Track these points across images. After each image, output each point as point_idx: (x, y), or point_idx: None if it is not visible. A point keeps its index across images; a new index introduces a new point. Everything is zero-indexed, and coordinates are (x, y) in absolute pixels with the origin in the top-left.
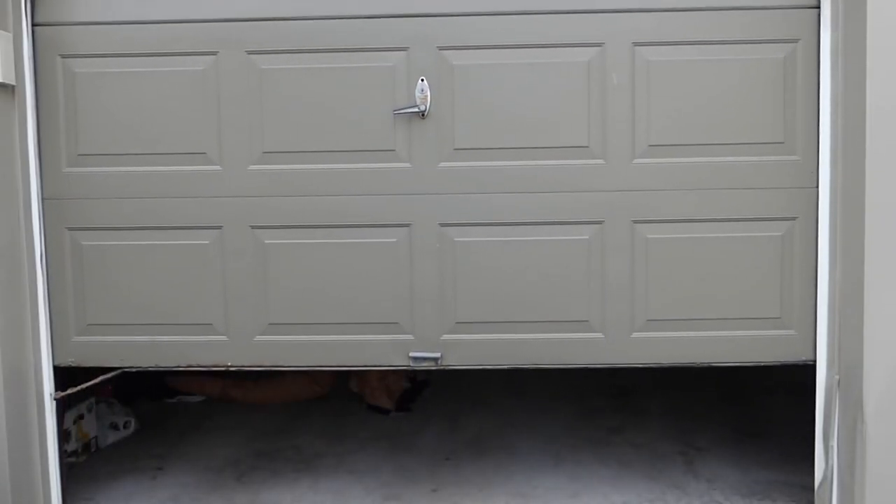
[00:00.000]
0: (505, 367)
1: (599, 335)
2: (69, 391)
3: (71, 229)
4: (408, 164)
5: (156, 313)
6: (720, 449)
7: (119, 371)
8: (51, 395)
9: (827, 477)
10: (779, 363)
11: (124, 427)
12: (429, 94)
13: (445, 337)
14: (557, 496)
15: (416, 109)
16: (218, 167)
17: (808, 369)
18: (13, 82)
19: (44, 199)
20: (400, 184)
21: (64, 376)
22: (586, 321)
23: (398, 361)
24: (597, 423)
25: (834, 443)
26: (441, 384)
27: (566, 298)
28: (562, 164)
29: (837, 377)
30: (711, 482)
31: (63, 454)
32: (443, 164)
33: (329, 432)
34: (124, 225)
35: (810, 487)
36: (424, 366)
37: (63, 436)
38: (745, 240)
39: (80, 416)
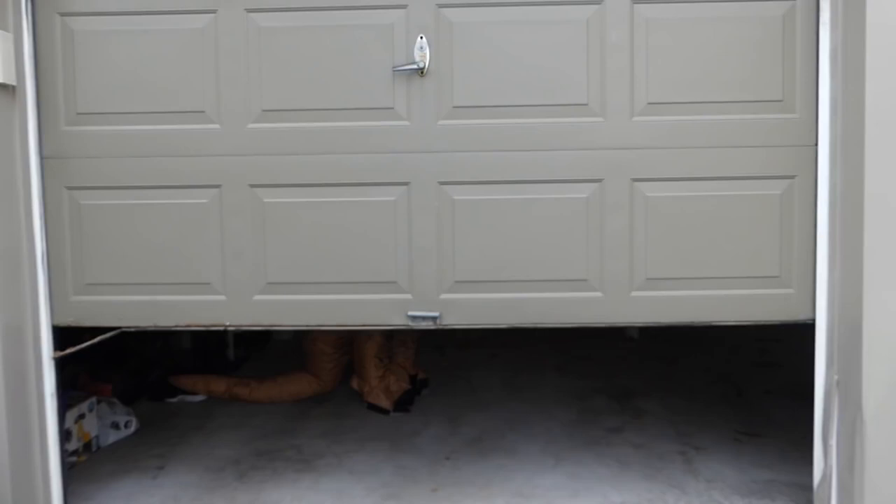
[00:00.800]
0: (504, 326)
1: (598, 294)
2: (68, 350)
3: (70, 188)
4: (407, 122)
5: (155, 272)
6: (719, 449)
7: (118, 331)
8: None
9: (826, 477)
10: (778, 322)
11: (125, 427)
12: (428, 51)
13: (444, 296)
14: (557, 496)
15: (415, 66)
16: (217, 126)
17: (809, 369)
18: (13, 82)
19: (43, 159)
20: (399, 142)
21: (61, 337)
22: (585, 280)
23: (396, 321)
24: (597, 423)
25: (833, 442)
26: (441, 384)
27: (565, 257)
28: (561, 122)
29: (837, 377)
30: (711, 482)
31: (63, 454)
32: (442, 121)
33: (329, 432)
34: (123, 184)
35: (809, 487)
36: (423, 325)
37: (64, 435)
38: (744, 198)
39: (81, 416)
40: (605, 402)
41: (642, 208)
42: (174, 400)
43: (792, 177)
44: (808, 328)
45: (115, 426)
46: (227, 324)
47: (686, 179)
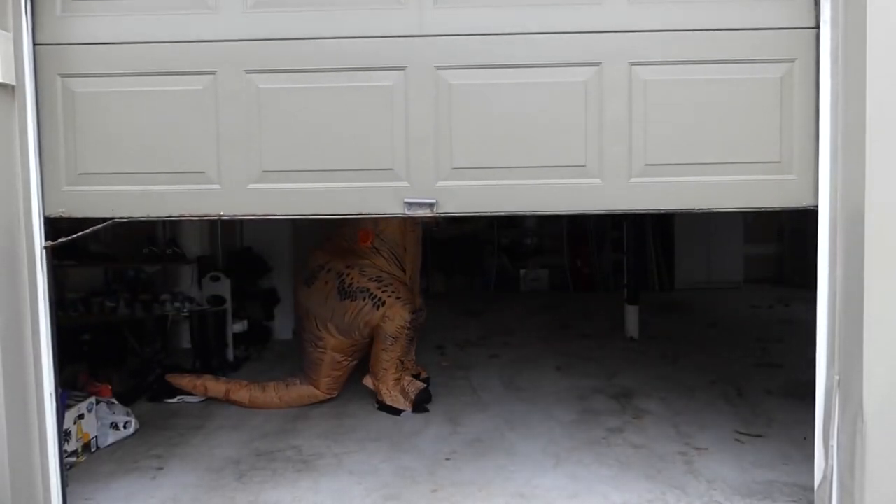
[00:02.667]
0: (502, 213)
1: (597, 180)
2: (60, 241)
3: (63, 76)
4: (404, 4)
5: (148, 161)
6: (720, 449)
7: (111, 221)
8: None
9: (827, 477)
10: (779, 208)
11: (124, 427)
12: None
13: (441, 183)
14: (558, 496)
15: None
16: (212, 10)
17: (809, 369)
18: (13, 82)
19: (35, 46)
20: (395, 25)
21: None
22: (584, 166)
23: (393, 209)
24: (597, 423)
25: (834, 443)
26: (441, 384)
27: (564, 143)
28: (558, 3)
29: (837, 377)
30: (712, 482)
31: (63, 454)
32: (440, 3)
33: (329, 433)
34: (118, 71)
35: (810, 487)
36: (420, 213)
37: (63, 436)
38: (744, 82)
39: (80, 416)
40: (605, 403)
41: (641, 93)
42: (173, 400)
43: (791, 60)
44: (809, 328)
45: (115, 427)
46: (222, 213)
47: (685, 63)
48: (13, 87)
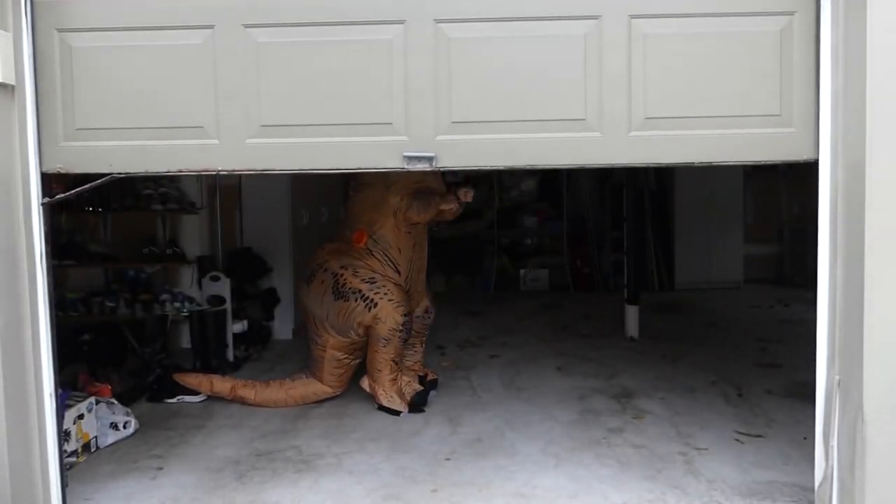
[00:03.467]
0: (501, 167)
1: (597, 134)
2: (58, 197)
3: (61, 31)
4: None
5: (146, 116)
6: (720, 449)
7: (109, 178)
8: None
9: (827, 477)
10: (779, 162)
11: (124, 427)
12: None
13: (440, 138)
14: (558, 496)
15: None
16: None
17: (809, 369)
18: (13, 82)
19: (33, 1)
20: None
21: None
22: (583, 120)
23: (392, 163)
24: (597, 423)
25: (834, 443)
26: (441, 384)
27: (563, 96)
28: None
29: (838, 377)
30: (712, 482)
31: (63, 454)
32: None
33: (329, 433)
34: (115, 25)
35: (811, 488)
36: (419, 167)
37: (63, 436)
38: (743, 35)
39: (80, 416)
40: (605, 403)
41: (640, 46)
42: (173, 400)
43: (791, 13)
44: (809, 328)
45: (115, 427)
46: (220, 168)
47: (685, 16)
48: (13, 87)
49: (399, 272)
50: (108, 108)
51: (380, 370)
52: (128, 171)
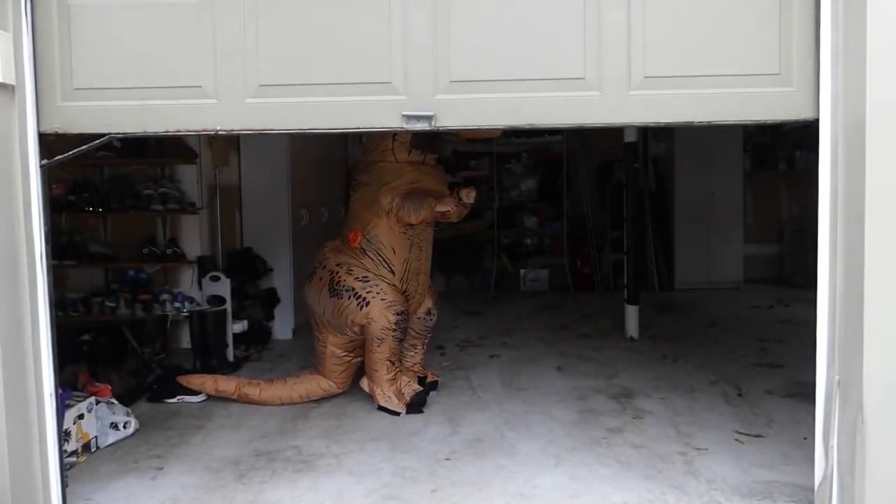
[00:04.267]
0: (501, 126)
1: (596, 93)
2: (56, 158)
3: None
4: None
5: (144, 76)
6: (720, 449)
7: (107, 138)
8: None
9: (827, 477)
10: (779, 121)
11: (124, 427)
12: None
13: (440, 97)
14: (558, 496)
15: None
16: None
17: (809, 369)
18: (13, 82)
19: None
20: None
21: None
22: (582, 79)
23: (391, 122)
24: (597, 423)
25: (834, 443)
26: (441, 384)
27: (562, 55)
28: None
29: (838, 377)
30: (712, 482)
31: (63, 454)
32: None
33: (329, 433)
34: None
35: (810, 488)
36: (418, 126)
37: (63, 436)
38: None
39: (80, 416)
40: (605, 403)
41: (640, 2)
42: (173, 401)
43: None
44: (809, 328)
45: (115, 427)
46: (219, 128)
47: None
48: (13, 87)
49: (393, 272)
50: (106, 68)
51: (376, 370)
52: (126, 131)
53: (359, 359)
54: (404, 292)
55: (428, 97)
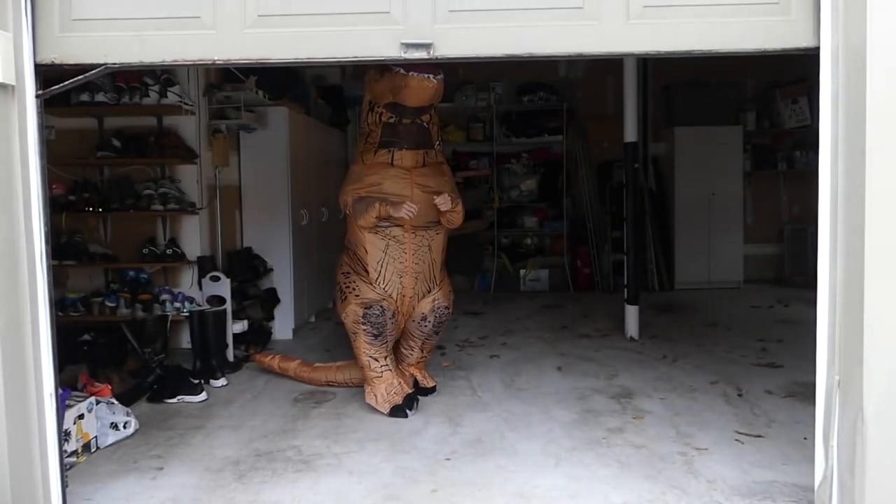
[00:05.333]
0: (500, 56)
1: (595, 23)
2: (52, 88)
3: None
4: None
5: (143, 7)
6: (720, 449)
7: (103, 68)
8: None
9: (827, 477)
10: (779, 50)
11: (124, 427)
12: None
13: (438, 27)
14: (558, 496)
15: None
16: None
17: (809, 369)
18: (13, 82)
19: None
20: None
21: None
22: (581, 8)
23: (389, 52)
24: (597, 424)
25: (834, 443)
26: (441, 384)
27: None
28: None
29: (837, 377)
30: (712, 483)
31: (63, 454)
32: None
33: (329, 433)
34: None
35: (810, 488)
36: (416, 55)
37: (63, 436)
38: None
39: (80, 416)
40: (605, 403)
41: None
42: (173, 401)
43: None
44: (809, 328)
45: (115, 427)
46: (216, 59)
47: None
48: (13, 87)
49: (367, 271)
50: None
51: (362, 366)
52: (123, 61)
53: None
54: (392, 296)
55: (426, 27)
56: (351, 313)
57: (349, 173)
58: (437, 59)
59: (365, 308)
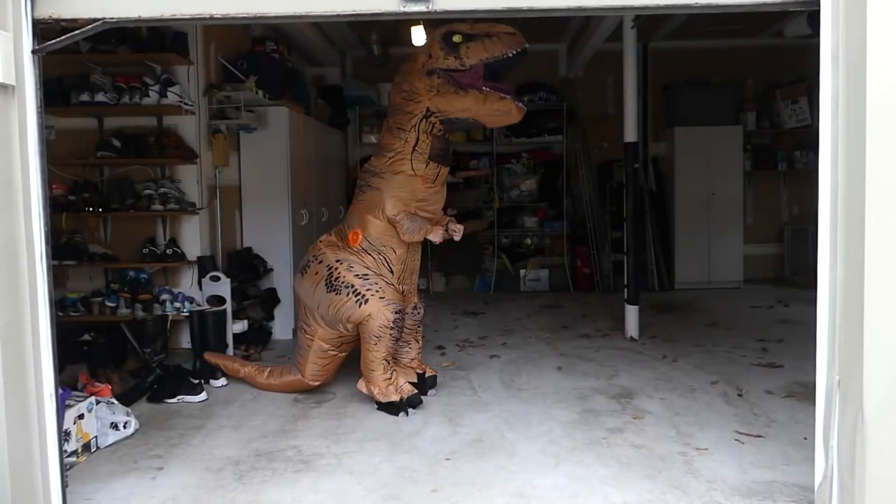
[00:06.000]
0: (499, 9)
1: None
2: (48, 43)
3: None
4: None
5: None
6: (720, 449)
7: (101, 23)
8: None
9: (827, 477)
10: (779, 8)
11: (124, 427)
12: None
13: None
14: (558, 496)
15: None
16: None
17: (809, 369)
18: (13, 82)
19: None
20: None
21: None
22: None
23: (388, 7)
24: (597, 424)
25: (834, 443)
26: (441, 384)
27: None
28: None
29: (837, 377)
30: (712, 483)
31: (63, 454)
32: None
33: (329, 433)
34: None
35: (811, 488)
36: (416, 8)
37: (63, 436)
38: None
39: (80, 416)
40: (605, 403)
41: None
42: (173, 401)
43: None
44: (809, 328)
45: (115, 427)
46: (214, 13)
47: None
48: (13, 87)
49: (392, 272)
50: None
51: (373, 370)
52: (121, 16)
53: (343, 354)
54: (402, 292)
55: None
56: (379, 317)
57: (394, 181)
58: (435, 12)
59: (394, 313)
